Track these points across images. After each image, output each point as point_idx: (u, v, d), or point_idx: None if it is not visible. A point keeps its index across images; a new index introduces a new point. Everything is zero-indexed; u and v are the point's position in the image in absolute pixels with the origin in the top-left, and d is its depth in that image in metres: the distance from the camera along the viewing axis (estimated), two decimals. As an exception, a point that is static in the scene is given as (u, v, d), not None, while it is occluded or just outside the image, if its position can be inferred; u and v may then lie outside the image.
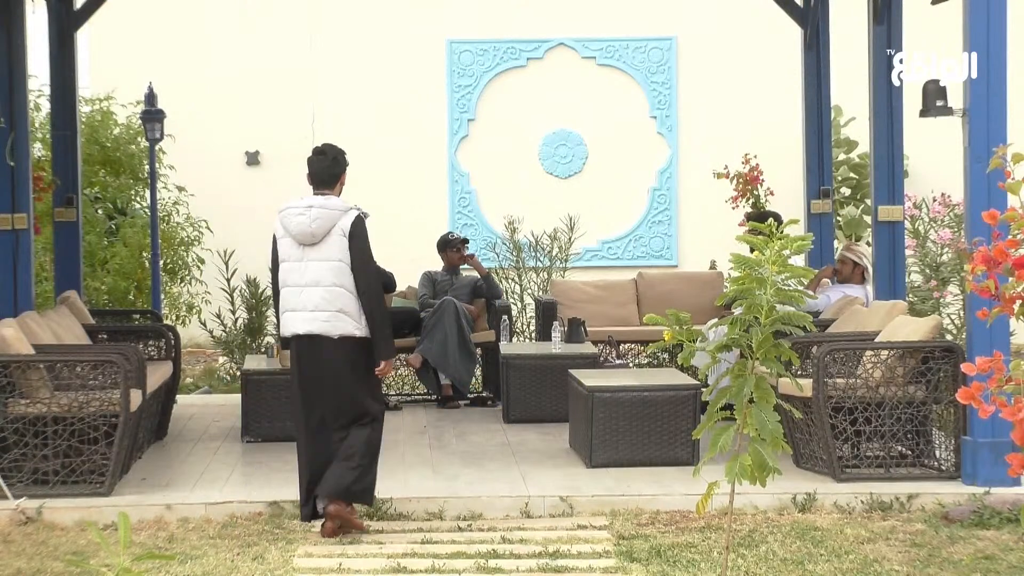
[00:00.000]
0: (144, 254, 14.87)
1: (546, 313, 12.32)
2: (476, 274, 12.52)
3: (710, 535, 7.31)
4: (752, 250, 5.42)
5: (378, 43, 17.02)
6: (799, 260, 10.72)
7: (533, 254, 15.32)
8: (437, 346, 11.65)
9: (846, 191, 16.90)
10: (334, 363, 7.60)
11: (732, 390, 5.25)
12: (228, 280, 14.30)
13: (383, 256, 13.39)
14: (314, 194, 7.75)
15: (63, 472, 8.17)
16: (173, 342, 10.57)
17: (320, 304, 7.58)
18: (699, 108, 17.06)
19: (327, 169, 7.77)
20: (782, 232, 5.34)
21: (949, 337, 12.22)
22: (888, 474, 8.39)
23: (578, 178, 17.15)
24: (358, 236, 7.66)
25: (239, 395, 10.41)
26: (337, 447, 7.62)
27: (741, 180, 13.99)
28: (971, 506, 7.67)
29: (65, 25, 11.77)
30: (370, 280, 7.70)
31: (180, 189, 15.86)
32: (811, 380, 8.35)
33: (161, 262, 14.86)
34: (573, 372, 9.68)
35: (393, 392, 12.50)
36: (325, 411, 7.65)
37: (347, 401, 7.65)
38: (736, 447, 5.27)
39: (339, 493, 7.47)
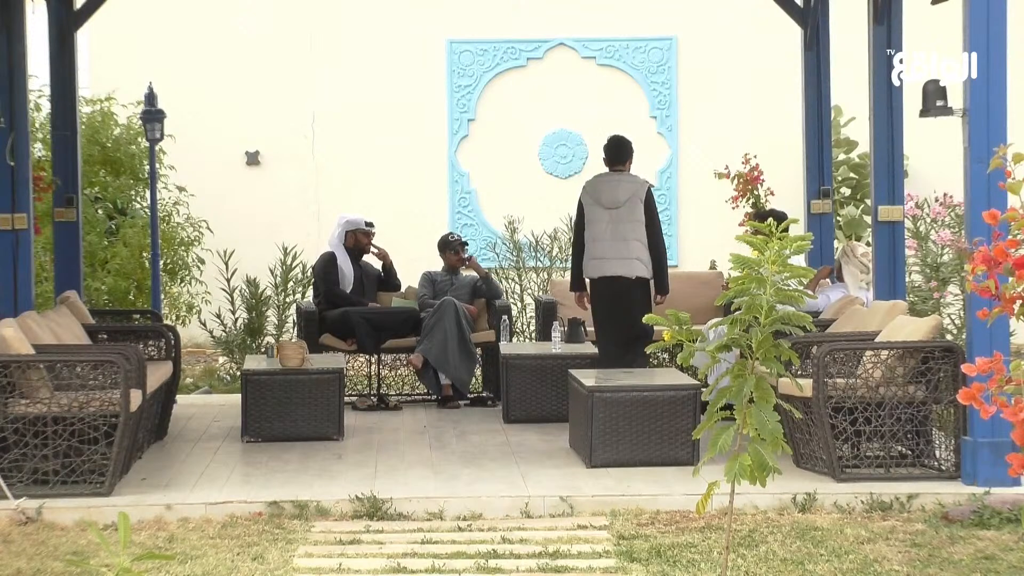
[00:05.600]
0: (144, 254, 14.86)
1: (546, 313, 12.32)
2: (476, 274, 12.53)
3: (710, 535, 7.31)
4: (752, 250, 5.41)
5: (378, 43, 17.00)
6: (799, 260, 10.72)
7: (533, 254, 15.32)
8: (437, 346, 11.65)
9: (846, 191, 16.89)
10: (629, 297, 10.38)
11: (732, 390, 5.24)
12: (228, 280, 14.31)
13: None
14: (611, 170, 10.61)
15: (63, 472, 8.16)
16: (173, 342, 10.56)
17: (624, 253, 10.32)
18: (699, 108, 17.05)
19: (615, 153, 10.64)
20: (782, 232, 5.33)
21: (949, 337, 12.23)
22: (888, 474, 8.39)
23: (578, 178, 17.04)
24: (651, 203, 10.48)
25: (239, 395, 10.41)
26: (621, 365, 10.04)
27: (741, 180, 13.99)
28: (971, 506, 7.67)
29: (65, 25, 11.76)
30: (659, 234, 10.52)
31: (180, 189, 15.85)
32: (811, 380, 8.35)
33: (161, 262, 14.86)
34: (573, 372, 9.68)
35: (393, 392, 12.50)
36: (618, 334, 10.32)
37: (633, 326, 9.82)
38: (736, 447, 5.27)
39: None
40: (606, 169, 10.79)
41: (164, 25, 16.87)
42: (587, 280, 10.73)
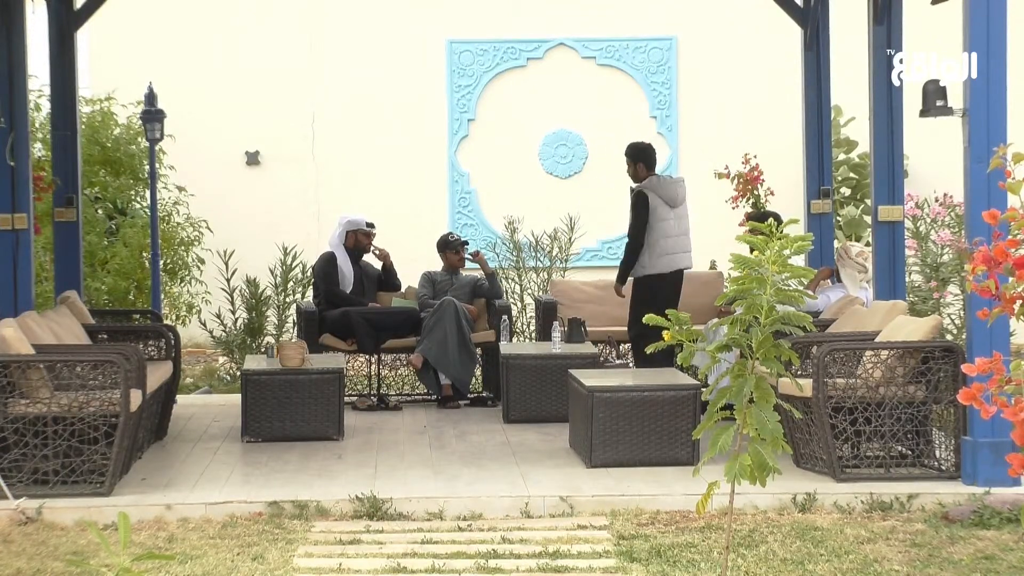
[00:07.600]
0: (144, 254, 14.86)
1: (546, 313, 12.32)
2: (476, 274, 12.52)
3: (710, 535, 7.31)
4: (752, 250, 5.41)
5: (378, 43, 17.00)
6: (799, 260, 10.72)
7: (533, 254, 15.32)
8: (437, 346, 11.65)
9: (846, 191, 16.89)
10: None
11: (732, 390, 5.24)
12: (228, 280, 14.31)
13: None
14: (653, 173, 11.41)
15: (63, 472, 8.16)
16: (173, 342, 10.56)
17: (687, 247, 11.36)
18: (699, 108, 17.05)
19: (654, 157, 11.53)
20: (782, 232, 5.33)
21: (949, 337, 12.23)
22: (888, 474, 8.39)
23: (578, 178, 17.13)
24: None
25: (239, 395, 10.41)
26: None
27: (741, 180, 13.99)
28: (971, 506, 7.67)
29: (65, 25, 11.76)
30: None
31: (180, 189, 15.85)
32: (811, 380, 8.35)
33: (161, 262, 14.86)
34: (573, 372, 9.67)
35: (393, 392, 12.50)
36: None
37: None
38: (736, 447, 5.27)
39: None
40: (652, 174, 11.43)
41: (164, 25, 16.87)
42: (649, 275, 11.11)
